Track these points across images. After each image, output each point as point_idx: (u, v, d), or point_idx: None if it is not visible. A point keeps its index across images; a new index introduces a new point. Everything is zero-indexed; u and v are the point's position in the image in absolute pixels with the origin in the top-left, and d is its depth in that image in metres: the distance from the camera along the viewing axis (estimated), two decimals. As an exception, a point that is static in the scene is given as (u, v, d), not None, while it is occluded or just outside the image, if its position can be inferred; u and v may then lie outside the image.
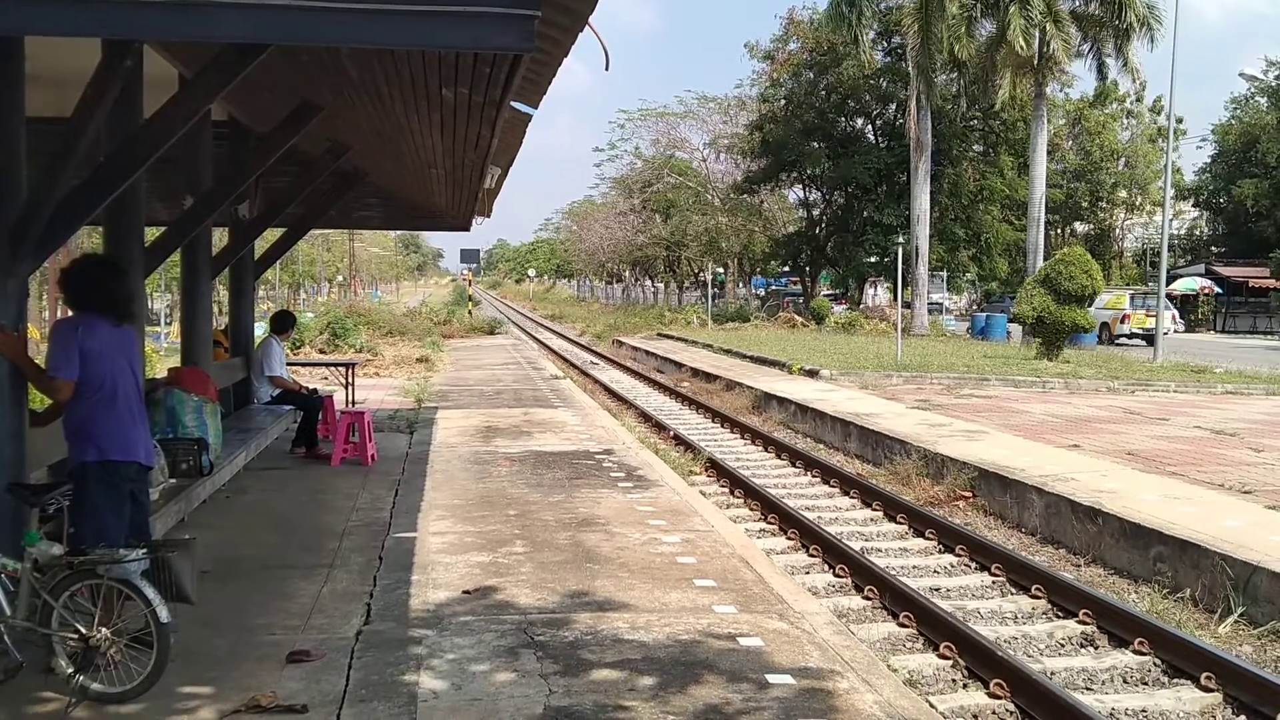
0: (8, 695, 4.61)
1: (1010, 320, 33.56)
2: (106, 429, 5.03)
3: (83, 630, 4.53)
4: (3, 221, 5.05)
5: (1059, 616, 7.54)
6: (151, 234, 9.44)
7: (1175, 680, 6.37)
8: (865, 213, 44.60)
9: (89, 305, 5.12)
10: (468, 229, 17.30)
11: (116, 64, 5.45)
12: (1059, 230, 60.44)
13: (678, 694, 4.84)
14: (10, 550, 4.75)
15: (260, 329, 14.70)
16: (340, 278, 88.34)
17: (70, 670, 4.55)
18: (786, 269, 59.97)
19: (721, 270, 63.06)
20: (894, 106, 45.64)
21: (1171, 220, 42.79)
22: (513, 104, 6.71)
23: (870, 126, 48.28)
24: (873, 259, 46.27)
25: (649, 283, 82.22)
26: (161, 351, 25.37)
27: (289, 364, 12.54)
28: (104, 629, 4.52)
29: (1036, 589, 7.94)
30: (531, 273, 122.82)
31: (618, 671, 5.10)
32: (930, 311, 40.83)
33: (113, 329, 5.14)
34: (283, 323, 12.49)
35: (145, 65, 6.64)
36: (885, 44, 44.72)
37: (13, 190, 5.12)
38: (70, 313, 5.31)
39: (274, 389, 11.66)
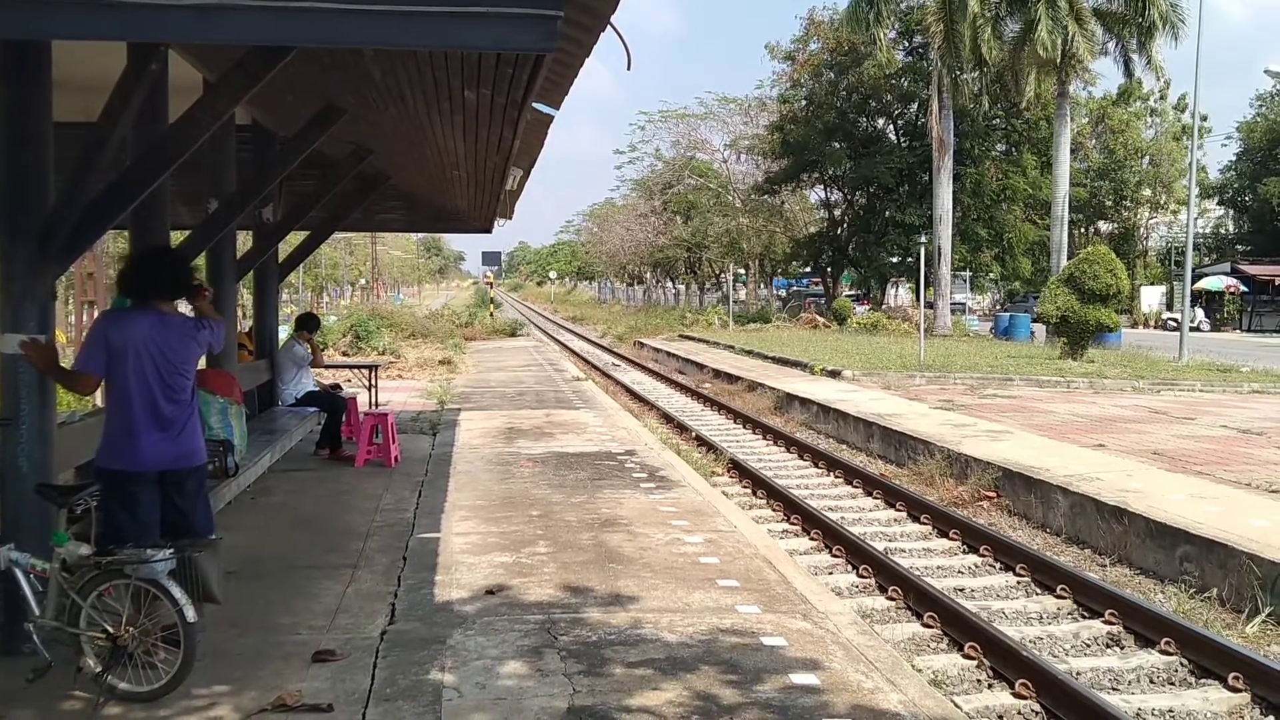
0: (37, 694, 4.65)
1: (1034, 320, 33.39)
2: (114, 436, 4.94)
3: (110, 630, 4.57)
4: (31, 225, 5.09)
5: (1084, 617, 7.50)
6: (176, 237, 9.50)
7: (1203, 680, 6.33)
8: (887, 213, 44.49)
9: (127, 291, 5.09)
10: (489, 231, 17.35)
11: (142, 68, 5.49)
12: (1083, 229, 60.06)
13: (701, 693, 4.83)
14: (39, 550, 4.80)
15: (284, 331, 14.77)
16: (363, 281, 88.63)
17: (98, 669, 4.59)
18: (808, 270, 59.79)
19: (743, 271, 62.96)
20: (915, 106, 45.48)
21: (1196, 218, 42.45)
22: (535, 105, 6.72)
23: (891, 126, 48.15)
24: (895, 259, 46.14)
25: (670, 284, 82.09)
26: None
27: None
28: (131, 628, 4.56)
29: (1062, 589, 7.90)
30: (553, 275, 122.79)
31: (641, 671, 5.10)
32: (953, 311, 40.70)
33: (151, 323, 4.94)
34: (307, 324, 12.55)
35: (170, 70, 6.67)
36: (906, 43, 44.59)
37: (40, 194, 5.17)
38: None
39: (298, 390, 11.72)
